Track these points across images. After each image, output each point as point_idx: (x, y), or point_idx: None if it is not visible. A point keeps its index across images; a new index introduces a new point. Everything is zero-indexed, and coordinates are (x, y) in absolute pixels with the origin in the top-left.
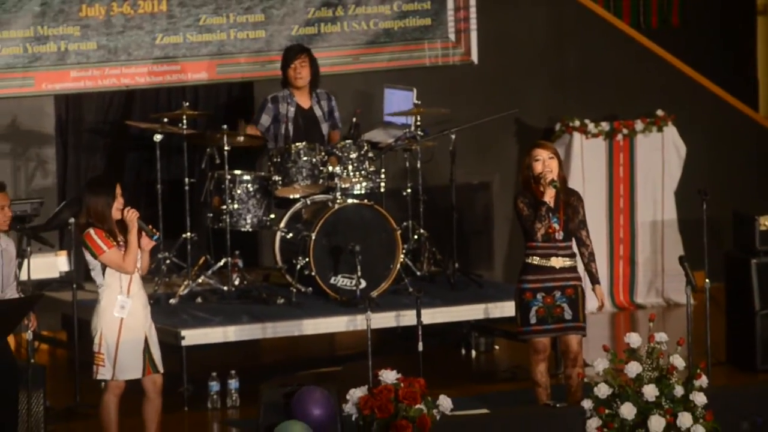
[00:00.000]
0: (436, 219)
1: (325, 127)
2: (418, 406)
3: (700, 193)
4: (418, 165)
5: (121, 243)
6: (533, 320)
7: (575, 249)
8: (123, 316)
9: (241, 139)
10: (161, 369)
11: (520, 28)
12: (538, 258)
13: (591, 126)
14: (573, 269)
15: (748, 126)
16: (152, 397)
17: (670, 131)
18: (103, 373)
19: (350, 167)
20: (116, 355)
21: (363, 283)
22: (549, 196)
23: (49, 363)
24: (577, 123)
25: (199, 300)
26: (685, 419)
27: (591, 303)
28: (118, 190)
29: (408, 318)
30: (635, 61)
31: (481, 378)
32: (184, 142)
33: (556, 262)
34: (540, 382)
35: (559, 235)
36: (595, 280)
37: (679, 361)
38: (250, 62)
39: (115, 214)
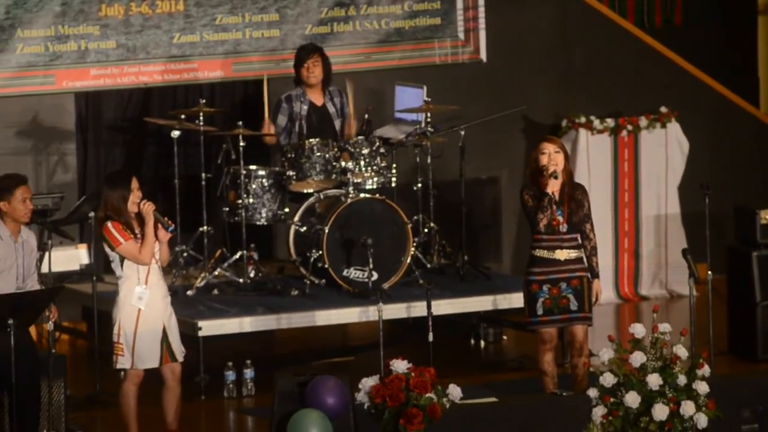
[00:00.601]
0: (445, 213)
1: (338, 123)
2: (428, 394)
3: (702, 187)
4: (429, 160)
5: (139, 235)
6: (540, 311)
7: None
8: (141, 307)
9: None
10: (180, 358)
11: (528, 28)
12: (543, 250)
13: (596, 122)
14: (579, 260)
15: (749, 122)
16: (171, 386)
17: (674, 127)
18: (122, 362)
19: (362, 163)
20: (134, 344)
21: (375, 275)
22: (552, 188)
23: (70, 353)
24: (583, 119)
25: (215, 292)
26: (688, 407)
27: None
28: (135, 184)
29: (418, 309)
30: (639, 60)
31: (490, 367)
32: (201, 138)
33: (561, 254)
34: (547, 371)
35: (563, 228)
36: (594, 274)
37: (682, 351)
38: (264, 60)
39: (132, 207)
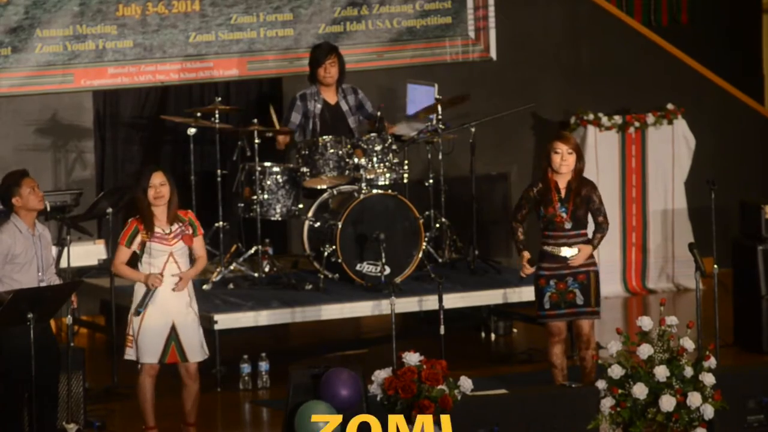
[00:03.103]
0: (456, 208)
1: (351, 121)
2: (440, 386)
3: (708, 183)
4: (440, 157)
5: (156, 235)
6: (547, 305)
7: (590, 234)
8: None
9: (270, 134)
10: (192, 359)
11: (537, 26)
12: (550, 247)
13: (604, 119)
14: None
15: (754, 119)
16: (187, 383)
17: (680, 124)
18: (129, 354)
19: (375, 159)
20: (138, 338)
21: (387, 270)
22: (560, 183)
23: (88, 346)
24: (591, 116)
25: (231, 286)
26: (694, 399)
27: (605, 287)
28: (156, 179)
29: (430, 303)
30: (646, 57)
31: (500, 360)
32: (217, 135)
33: (567, 251)
34: (556, 363)
35: (568, 225)
36: (589, 242)
37: (688, 344)
38: (279, 59)
39: (153, 202)
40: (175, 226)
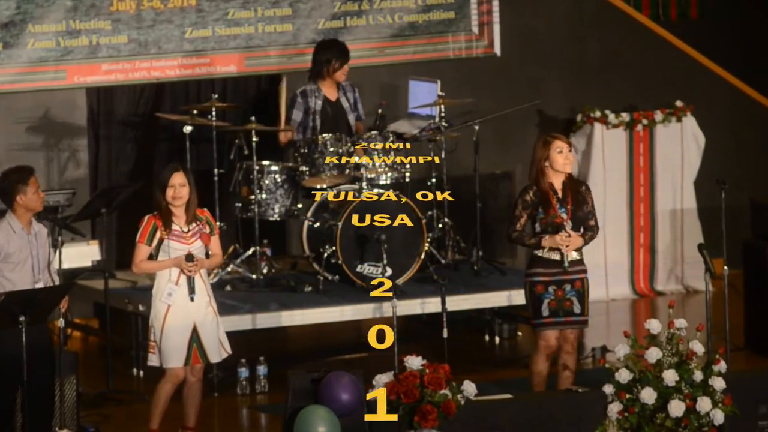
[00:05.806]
0: (459, 208)
1: (351, 118)
2: (442, 391)
3: (718, 182)
4: (443, 155)
5: (169, 237)
6: (545, 313)
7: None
8: (169, 304)
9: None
10: (213, 360)
11: (542, 21)
12: (548, 251)
13: (612, 117)
14: (580, 262)
15: (765, 116)
16: (190, 381)
17: (689, 121)
18: (152, 360)
19: (376, 158)
20: (161, 341)
21: (389, 271)
22: (556, 184)
23: (82, 350)
24: (597, 114)
25: (228, 288)
26: (704, 403)
27: (612, 289)
28: (175, 179)
29: (433, 305)
30: (655, 53)
31: (505, 364)
32: (214, 133)
33: (564, 256)
34: (539, 371)
35: (568, 225)
36: (580, 235)
37: (698, 347)
38: (277, 55)
39: (170, 201)
40: (193, 225)
